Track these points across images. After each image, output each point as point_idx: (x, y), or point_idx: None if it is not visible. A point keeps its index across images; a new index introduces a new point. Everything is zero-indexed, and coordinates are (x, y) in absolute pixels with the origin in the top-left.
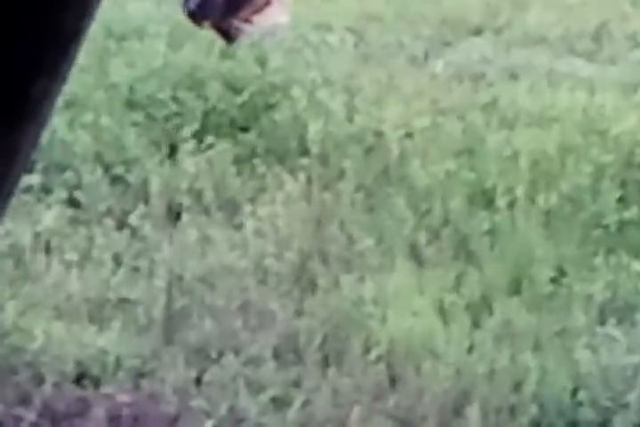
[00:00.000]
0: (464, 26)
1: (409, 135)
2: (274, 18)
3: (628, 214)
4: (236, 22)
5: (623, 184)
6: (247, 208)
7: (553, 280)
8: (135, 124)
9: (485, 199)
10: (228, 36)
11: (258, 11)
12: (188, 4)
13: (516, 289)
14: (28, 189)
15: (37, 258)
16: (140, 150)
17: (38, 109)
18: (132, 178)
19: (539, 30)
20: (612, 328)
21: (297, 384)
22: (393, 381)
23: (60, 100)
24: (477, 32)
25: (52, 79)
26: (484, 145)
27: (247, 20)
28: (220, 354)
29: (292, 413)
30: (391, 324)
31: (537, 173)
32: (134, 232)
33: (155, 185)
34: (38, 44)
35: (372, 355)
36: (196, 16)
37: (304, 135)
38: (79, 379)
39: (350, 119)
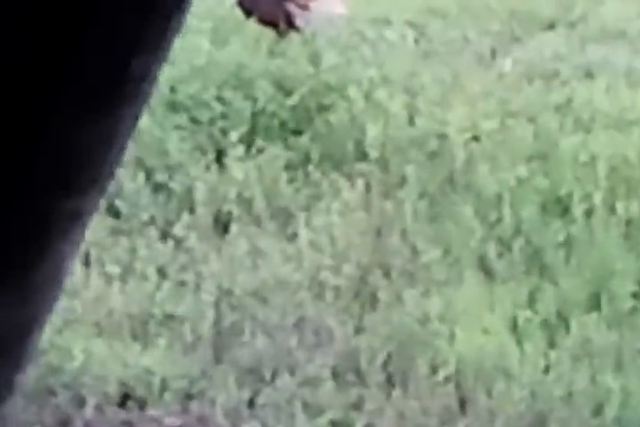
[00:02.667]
0: (535, 20)
1: (476, 139)
2: (331, 7)
3: None
4: (292, 7)
5: None
6: (301, 218)
7: (634, 295)
8: (178, 127)
9: (560, 208)
10: (280, 27)
11: None
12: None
13: (594, 305)
14: None
15: (76, 271)
16: (183, 156)
17: (138, 89)
18: (175, 185)
19: (616, 24)
20: None
21: (358, 407)
22: (462, 403)
23: None
24: (549, 27)
25: (153, 56)
26: (558, 149)
27: (304, 6)
28: (275, 374)
29: None
30: (460, 342)
31: (616, 179)
32: (179, 244)
33: (200, 193)
34: (137, 17)
35: (440, 375)
36: (247, 5)
37: (362, 139)
38: (123, 401)
39: (411, 122)
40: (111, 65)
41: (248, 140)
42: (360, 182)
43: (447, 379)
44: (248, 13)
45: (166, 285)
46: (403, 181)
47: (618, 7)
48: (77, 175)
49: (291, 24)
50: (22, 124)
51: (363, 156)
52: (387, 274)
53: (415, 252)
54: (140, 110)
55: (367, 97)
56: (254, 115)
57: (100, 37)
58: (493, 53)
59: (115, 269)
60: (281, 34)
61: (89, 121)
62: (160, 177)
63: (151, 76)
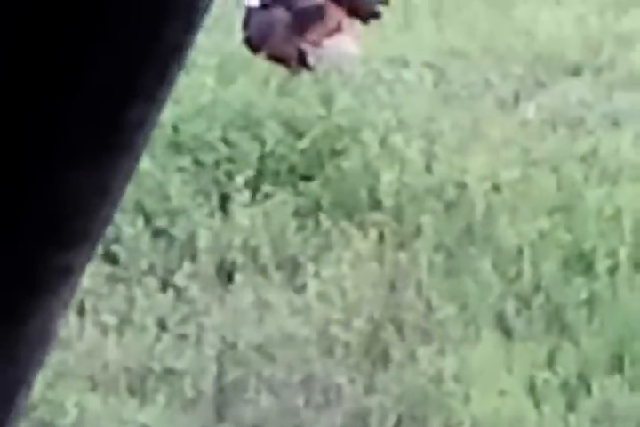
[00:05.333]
0: (560, 64)
1: (496, 189)
2: (345, 46)
3: None
4: (303, 44)
5: None
6: (310, 268)
7: None
8: (181, 169)
9: (583, 264)
10: (291, 64)
11: (328, 34)
12: (245, 28)
13: (617, 366)
14: None
15: (70, 320)
16: (186, 200)
17: (132, 140)
18: (177, 231)
19: None
20: None
21: None
22: None
23: None
24: (575, 72)
25: (149, 104)
26: (583, 201)
27: (316, 43)
28: None
29: None
30: (475, 404)
31: None
32: (180, 293)
33: (203, 240)
34: (134, 62)
35: None
36: (255, 41)
37: (375, 186)
38: None
39: (429, 169)
40: (105, 112)
41: (255, 185)
42: (373, 232)
43: None
44: (256, 50)
45: (166, 337)
46: (418, 231)
47: None
48: (68, 227)
49: (302, 62)
50: (9, 173)
51: (376, 204)
52: (399, 330)
53: (430, 307)
54: (135, 160)
55: (382, 142)
56: (262, 158)
57: (94, 83)
58: (516, 98)
59: (111, 320)
60: (291, 72)
61: (81, 170)
62: (161, 222)
63: (148, 125)
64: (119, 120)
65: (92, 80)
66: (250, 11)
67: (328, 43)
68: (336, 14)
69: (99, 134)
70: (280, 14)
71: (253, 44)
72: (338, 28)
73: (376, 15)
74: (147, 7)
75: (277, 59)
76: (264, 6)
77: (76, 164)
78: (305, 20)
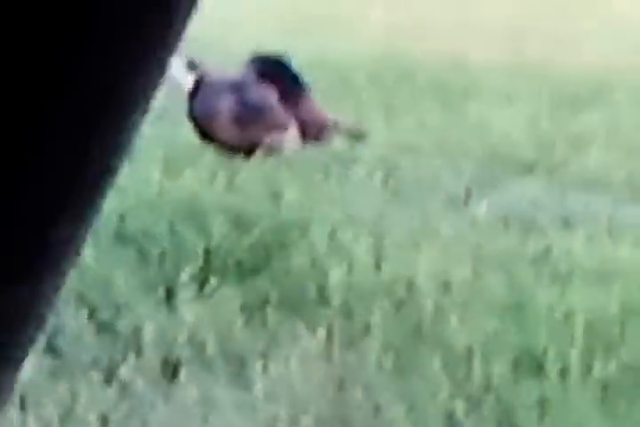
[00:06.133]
0: (512, 163)
1: (446, 287)
2: (291, 141)
3: None
4: (245, 136)
5: None
6: (257, 365)
7: None
8: (125, 261)
9: (534, 365)
10: (237, 154)
11: (271, 130)
12: (192, 112)
13: None
14: None
15: (10, 415)
16: (131, 293)
17: (59, 257)
18: (121, 325)
19: (599, 172)
20: None
21: None
22: None
23: None
24: (527, 170)
25: (77, 224)
26: (534, 302)
27: (258, 138)
28: None
29: None
30: None
31: (594, 337)
32: (124, 388)
33: (148, 334)
34: (60, 185)
35: None
36: (200, 124)
37: (324, 283)
38: None
39: (378, 266)
40: (29, 231)
41: (201, 279)
42: (321, 330)
43: None
44: (205, 137)
45: None
46: (367, 330)
47: (601, 154)
48: None
49: (252, 151)
50: None
51: (324, 301)
52: None
53: (378, 407)
54: (62, 280)
55: (331, 238)
56: (208, 252)
57: (21, 204)
58: (467, 196)
59: (53, 415)
60: (239, 162)
61: (2, 292)
62: (105, 315)
63: (75, 244)
64: (42, 240)
65: (19, 202)
66: (193, 94)
67: (274, 137)
68: (283, 114)
69: (23, 253)
70: (227, 103)
71: (203, 132)
72: (283, 126)
73: (327, 132)
74: (76, 129)
75: (223, 146)
76: (212, 90)
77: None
78: (251, 113)
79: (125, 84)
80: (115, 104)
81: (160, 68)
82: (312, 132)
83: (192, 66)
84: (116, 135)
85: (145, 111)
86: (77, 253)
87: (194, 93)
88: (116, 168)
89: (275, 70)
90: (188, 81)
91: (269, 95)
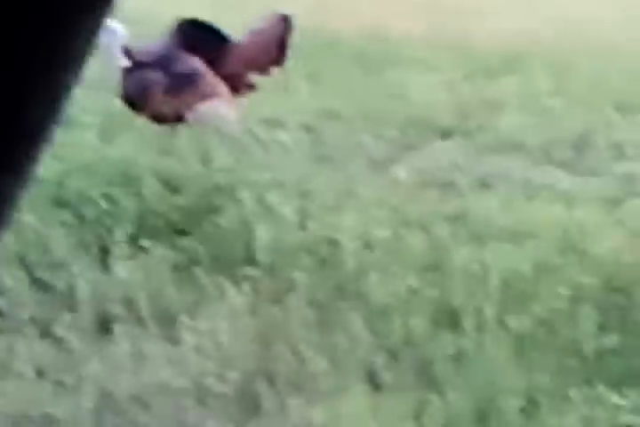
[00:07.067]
0: (432, 127)
1: (367, 247)
2: (219, 109)
3: (607, 342)
4: (179, 106)
5: (603, 309)
6: (186, 321)
7: (523, 411)
8: (63, 223)
9: (451, 320)
10: (169, 123)
11: (200, 99)
12: (125, 89)
13: (482, 420)
14: None
15: None
16: (67, 253)
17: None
18: (57, 283)
19: (514, 136)
20: None
21: None
22: None
23: None
24: (446, 135)
25: (17, 178)
26: (451, 261)
27: (189, 107)
28: None
29: None
30: None
31: (508, 293)
32: (59, 343)
33: (83, 292)
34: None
35: None
36: (133, 100)
37: (251, 243)
38: None
39: (303, 226)
40: None
41: (134, 240)
42: (247, 287)
43: None
44: (134, 108)
45: (45, 385)
46: (291, 287)
47: (516, 118)
48: None
49: (179, 121)
50: None
51: (251, 260)
52: (271, 382)
53: (301, 360)
54: None
55: (258, 200)
56: (141, 214)
57: None
58: (388, 160)
59: None
60: (171, 129)
61: None
62: (42, 274)
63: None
64: None
65: None
66: (125, 71)
67: (203, 105)
68: (210, 80)
69: None
70: (156, 76)
71: (131, 103)
72: (212, 93)
73: (251, 87)
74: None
75: (155, 118)
76: (140, 66)
77: None
78: (180, 84)
79: (58, 46)
80: (49, 65)
81: (90, 33)
82: (238, 86)
83: (126, 50)
84: (51, 98)
85: (77, 71)
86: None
87: (126, 72)
88: (51, 127)
89: (199, 34)
90: (123, 61)
91: (197, 64)
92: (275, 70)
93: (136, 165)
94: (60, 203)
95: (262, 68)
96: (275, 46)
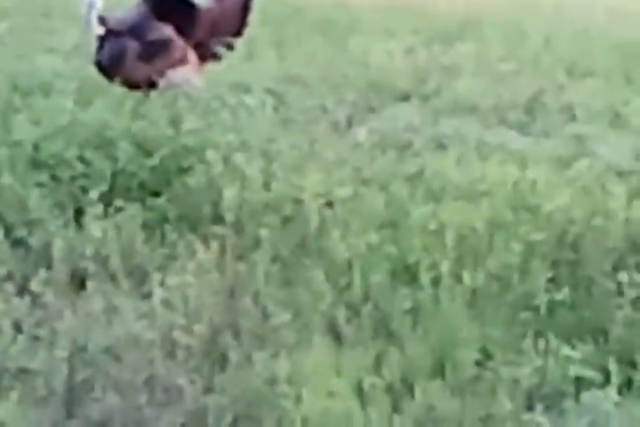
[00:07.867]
0: (390, 91)
1: (329, 205)
2: (188, 75)
3: (558, 296)
4: (151, 72)
5: (554, 264)
6: (156, 277)
7: (478, 363)
8: (39, 184)
9: (408, 275)
10: (141, 88)
11: (173, 64)
12: (98, 56)
13: (438, 372)
14: None
15: None
16: (43, 212)
17: None
18: (34, 241)
19: (469, 99)
20: (539, 415)
21: None
22: None
23: None
24: (404, 98)
25: None
26: (408, 218)
27: (160, 73)
28: None
29: None
30: (306, 404)
31: (463, 249)
32: (35, 299)
33: (58, 249)
34: None
35: None
36: (107, 67)
37: (218, 202)
38: None
39: (267, 186)
40: None
41: (107, 200)
42: (215, 244)
43: None
44: (108, 75)
45: (21, 339)
46: (256, 244)
47: (470, 82)
48: None
49: (151, 87)
50: None
51: (218, 218)
52: (237, 335)
53: (266, 314)
54: None
55: (225, 161)
56: (114, 175)
57: None
58: (349, 123)
59: None
60: (143, 94)
61: None
62: (19, 232)
63: None
64: None
65: None
66: (101, 39)
67: (173, 72)
68: (181, 47)
69: None
70: (130, 44)
71: (105, 69)
72: (182, 60)
73: (217, 57)
74: None
75: (128, 84)
76: (115, 34)
77: None
78: (153, 51)
79: None
80: None
81: None
82: (206, 53)
83: (102, 18)
84: None
85: None
86: None
87: (101, 40)
88: None
89: (168, 1)
90: (99, 29)
91: (169, 32)
92: (240, 37)
93: (110, 128)
94: (37, 165)
95: (228, 34)
96: (239, 11)
